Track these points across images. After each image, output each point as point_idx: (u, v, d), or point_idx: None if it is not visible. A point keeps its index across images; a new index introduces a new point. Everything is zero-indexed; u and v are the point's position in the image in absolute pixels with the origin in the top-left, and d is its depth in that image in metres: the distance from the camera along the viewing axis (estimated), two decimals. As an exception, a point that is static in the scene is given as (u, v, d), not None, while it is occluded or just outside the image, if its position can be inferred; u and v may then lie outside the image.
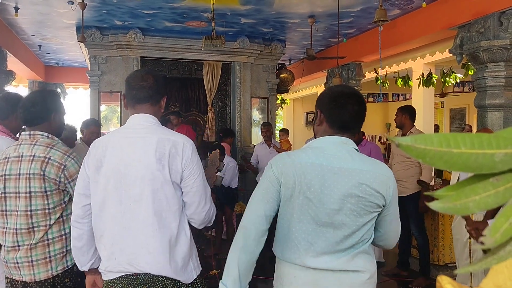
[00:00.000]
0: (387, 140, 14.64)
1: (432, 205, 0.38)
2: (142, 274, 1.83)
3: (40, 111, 2.26)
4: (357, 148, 1.71)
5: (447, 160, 0.39)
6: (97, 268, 1.97)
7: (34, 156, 2.16)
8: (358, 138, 5.39)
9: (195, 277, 1.94)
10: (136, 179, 1.80)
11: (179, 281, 1.88)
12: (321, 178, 1.60)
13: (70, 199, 2.19)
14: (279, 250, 1.72)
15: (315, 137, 1.79)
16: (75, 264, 2.24)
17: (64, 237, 2.22)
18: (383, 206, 1.65)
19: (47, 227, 2.17)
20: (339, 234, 1.61)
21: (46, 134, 2.26)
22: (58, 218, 2.20)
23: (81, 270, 2.03)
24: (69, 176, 2.17)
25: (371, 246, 1.72)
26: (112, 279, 1.88)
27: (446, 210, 0.38)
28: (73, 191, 2.11)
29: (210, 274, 4.71)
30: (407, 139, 0.41)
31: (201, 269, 2.02)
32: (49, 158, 2.15)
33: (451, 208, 0.38)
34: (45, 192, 2.16)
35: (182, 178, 1.85)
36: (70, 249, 2.23)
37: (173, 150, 1.83)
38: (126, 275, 1.85)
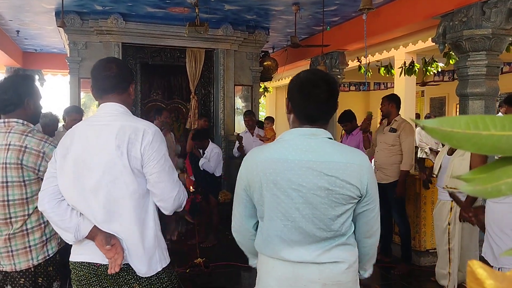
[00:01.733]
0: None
1: (463, 188, 0.37)
2: (104, 265, 1.81)
3: (12, 98, 2.19)
4: (330, 137, 1.64)
5: (475, 142, 0.38)
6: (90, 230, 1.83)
7: (9, 144, 2.10)
8: (351, 127, 5.42)
9: (159, 270, 1.89)
10: (96, 166, 1.78)
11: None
12: (288, 173, 1.57)
13: None
14: (259, 245, 1.73)
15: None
16: (57, 253, 2.21)
17: (43, 225, 2.18)
18: (359, 197, 1.59)
19: (26, 217, 2.14)
20: (311, 228, 1.59)
21: (21, 121, 2.20)
22: (37, 207, 2.15)
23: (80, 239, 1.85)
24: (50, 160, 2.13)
25: (352, 237, 1.69)
26: (78, 262, 1.87)
27: (476, 193, 0.37)
28: None
29: (195, 262, 4.70)
30: (432, 121, 0.40)
31: (168, 262, 1.95)
32: (26, 147, 2.10)
33: (482, 191, 0.37)
34: (23, 181, 2.11)
35: (142, 164, 1.80)
36: (50, 238, 2.20)
37: (133, 136, 1.79)
38: (88, 263, 1.84)
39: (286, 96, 1.73)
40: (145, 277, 1.86)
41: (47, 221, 2.14)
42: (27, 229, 2.15)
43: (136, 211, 1.80)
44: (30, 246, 2.15)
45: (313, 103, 1.61)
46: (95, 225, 1.80)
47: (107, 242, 1.75)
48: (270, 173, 1.59)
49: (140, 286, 1.86)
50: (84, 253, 1.85)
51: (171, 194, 1.84)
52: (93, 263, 1.82)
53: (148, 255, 1.84)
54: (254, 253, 1.81)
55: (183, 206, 1.96)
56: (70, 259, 1.90)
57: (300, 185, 1.56)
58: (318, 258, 1.61)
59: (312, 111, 1.62)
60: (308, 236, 1.60)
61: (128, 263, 1.82)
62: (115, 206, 1.79)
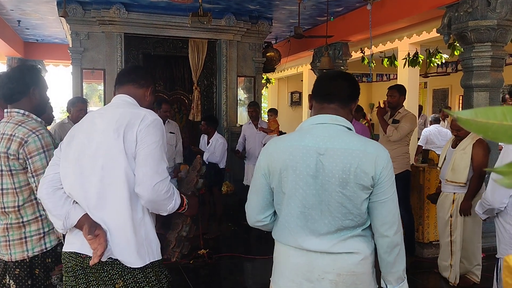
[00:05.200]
0: (370, 119, 14.75)
1: (499, 181, 0.36)
2: (90, 257, 1.78)
3: (18, 86, 2.20)
4: (350, 126, 1.66)
5: (512, 134, 0.37)
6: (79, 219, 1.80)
7: (4, 134, 2.12)
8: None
9: (147, 262, 1.82)
10: (93, 150, 1.80)
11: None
12: (306, 159, 1.59)
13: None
14: (275, 233, 1.75)
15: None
16: (58, 245, 2.21)
17: (39, 219, 2.19)
18: (371, 186, 1.57)
19: (16, 208, 2.14)
20: (327, 215, 1.59)
21: (22, 111, 2.20)
22: (31, 200, 2.16)
23: (69, 227, 1.83)
24: (28, 152, 2.11)
25: (369, 229, 1.68)
26: (67, 252, 1.86)
27: (513, 186, 0.36)
28: (30, 169, 2.10)
29: (199, 253, 4.72)
30: (466, 112, 0.39)
31: (158, 258, 1.88)
32: (13, 135, 2.11)
33: (519, 185, 0.36)
34: (10, 171, 2.12)
35: (136, 147, 1.78)
36: (49, 232, 2.20)
37: (132, 120, 1.80)
38: (76, 253, 1.82)
39: (309, 94, 1.83)
40: (130, 274, 1.81)
41: (45, 214, 2.14)
42: (23, 222, 2.16)
43: (128, 198, 1.77)
44: (26, 238, 2.16)
45: (329, 81, 1.74)
46: (84, 214, 1.78)
47: (90, 231, 1.72)
48: (290, 160, 1.62)
49: (125, 283, 1.80)
50: (74, 243, 1.83)
51: (151, 180, 1.74)
52: (81, 253, 1.80)
53: (136, 245, 1.79)
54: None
55: (168, 209, 1.84)
56: (62, 250, 1.90)
57: (317, 171, 1.58)
58: (333, 247, 1.61)
59: (330, 87, 1.71)
60: (323, 224, 1.60)
61: (112, 258, 1.79)
62: (108, 191, 1.77)
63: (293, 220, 1.64)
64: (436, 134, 8.07)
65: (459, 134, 3.95)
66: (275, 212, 1.77)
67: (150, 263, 1.85)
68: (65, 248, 1.88)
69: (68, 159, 1.84)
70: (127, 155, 1.77)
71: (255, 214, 1.77)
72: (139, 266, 1.81)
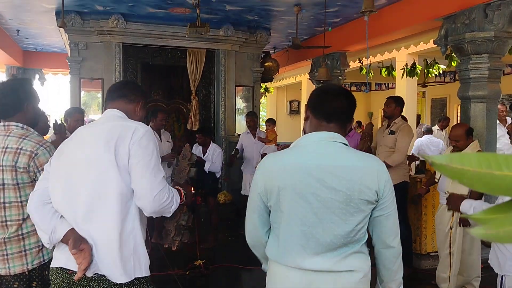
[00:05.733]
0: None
1: (473, 231, 0.36)
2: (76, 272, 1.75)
3: (12, 102, 2.21)
4: (346, 143, 1.66)
5: (487, 182, 0.36)
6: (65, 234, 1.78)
7: (7, 147, 2.12)
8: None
9: (132, 278, 1.79)
10: (82, 161, 1.79)
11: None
12: (306, 177, 1.57)
13: None
14: (272, 253, 1.71)
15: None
16: None
17: None
18: (376, 201, 1.60)
19: (21, 221, 2.14)
20: (329, 234, 1.58)
21: (20, 125, 2.21)
22: None
23: (55, 242, 1.82)
24: (39, 164, 2.14)
25: (365, 245, 1.68)
26: (54, 267, 1.84)
27: (488, 237, 0.35)
28: None
29: (195, 264, 4.68)
30: (441, 158, 0.38)
31: (145, 275, 1.85)
32: (21, 149, 2.12)
33: (494, 236, 0.35)
34: (17, 184, 2.12)
35: (129, 160, 1.78)
36: None
37: (123, 133, 1.80)
38: (62, 268, 1.80)
39: (306, 106, 1.77)
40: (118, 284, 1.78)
41: None
42: (22, 234, 2.15)
43: (118, 212, 1.76)
44: (25, 251, 2.15)
45: (331, 99, 1.69)
46: (70, 229, 1.76)
47: (75, 245, 1.70)
48: (289, 178, 1.59)
49: None
50: (60, 258, 1.82)
51: (151, 192, 1.77)
52: (67, 269, 1.79)
53: (123, 260, 1.77)
54: (267, 258, 1.79)
55: (172, 210, 1.89)
56: (50, 266, 1.88)
57: (318, 189, 1.56)
58: (334, 266, 1.59)
59: (329, 107, 1.67)
60: (325, 242, 1.58)
61: (99, 273, 1.77)
62: (98, 204, 1.76)
63: (293, 239, 1.61)
64: (428, 145, 8.12)
65: (457, 145, 3.93)
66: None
67: (137, 279, 1.81)
68: (52, 264, 1.87)
69: (57, 173, 1.84)
70: (119, 167, 1.76)
71: (255, 231, 1.76)
72: (125, 282, 1.78)
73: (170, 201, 1.85)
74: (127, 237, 1.80)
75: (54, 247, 1.87)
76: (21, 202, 2.13)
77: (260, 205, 1.69)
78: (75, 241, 1.72)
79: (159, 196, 1.78)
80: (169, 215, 1.91)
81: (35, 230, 2.15)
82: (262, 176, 1.68)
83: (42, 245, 2.17)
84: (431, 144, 8.03)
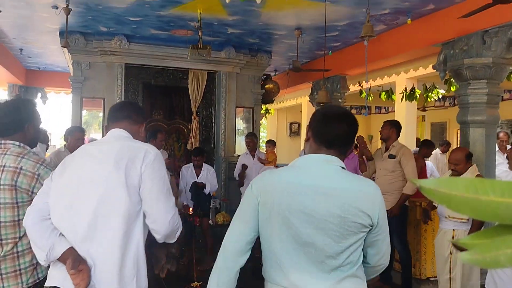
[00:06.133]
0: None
1: (461, 256, 0.36)
2: None
3: (13, 123, 2.21)
4: (343, 166, 1.65)
5: (474, 207, 0.36)
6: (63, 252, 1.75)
7: (4, 166, 2.10)
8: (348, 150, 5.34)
9: None
10: (89, 179, 1.78)
11: None
12: (301, 197, 1.56)
13: None
14: (266, 272, 1.68)
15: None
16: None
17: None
18: (371, 226, 1.58)
19: (17, 240, 2.11)
20: (321, 254, 1.56)
21: (17, 143, 2.20)
22: None
23: (52, 260, 1.78)
24: None
25: (361, 268, 1.66)
26: (48, 287, 1.80)
27: (475, 262, 0.36)
28: None
29: (192, 286, 4.63)
30: (429, 182, 0.39)
31: None
32: (21, 168, 2.10)
33: (480, 261, 0.35)
34: (16, 203, 2.10)
35: (140, 182, 1.77)
36: None
37: (133, 154, 1.80)
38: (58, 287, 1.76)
39: (307, 127, 1.76)
40: None
41: None
42: (17, 252, 2.12)
43: (121, 233, 1.73)
44: (20, 269, 2.12)
45: (336, 127, 1.65)
46: (69, 248, 1.73)
47: (74, 266, 1.67)
48: (284, 196, 1.58)
49: None
50: (57, 277, 1.78)
51: (166, 215, 1.79)
52: None
53: (122, 282, 1.74)
54: (228, 282, 1.65)
55: (176, 235, 1.90)
56: (44, 285, 1.85)
57: (313, 210, 1.55)
58: None
59: (332, 135, 1.65)
60: (317, 263, 1.57)
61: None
62: (101, 223, 1.74)
63: (286, 256, 1.59)
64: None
65: (456, 169, 3.93)
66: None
67: None
68: (47, 283, 1.82)
69: (58, 190, 1.82)
70: (128, 187, 1.75)
71: (237, 243, 1.65)
72: None
73: (179, 226, 1.88)
74: (129, 259, 1.77)
75: (49, 265, 1.84)
76: (18, 220, 2.11)
77: (253, 213, 1.64)
78: (74, 261, 1.69)
79: (173, 219, 1.81)
80: (173, 241, 1.90)
81: (29, 248, 2.10)
82: (258, 188, 1.65)
83: (37, 263, 2.14)
84: None
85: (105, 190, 1.75)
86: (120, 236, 1.74)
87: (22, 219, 2.07)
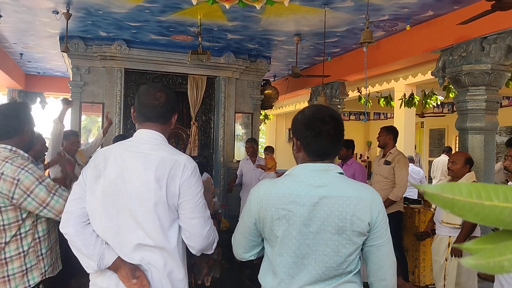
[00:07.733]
0: (367, 158, 14.78)
1: (464, 261, 0.36)
2: None
3: (14, 125, 2.19)
4: (341, 171, 1.64)
5: (477, 212, 0.37)
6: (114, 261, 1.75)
7: None
8: (346, 155, 5.32)
9: None
10: (131, 195, 1.73)
11: None
12: (299, 208, 1.55)
13: (29, 215, 2.09)
14: (263, 280, 1.69)
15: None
16: (41, 282, 2.14)
17: (22, 255, 2.10)
18: (368, 232, 1.57)
19: (2, 245, 2.07)
20: (321, 266, 1.55)
21: (9, 147, 2.16)
22: (15, 235, 2.08)
23: (102, 268, 1.77)
24: (25, 189, 2.04)
25: (357, 274, 1.65)
26: None
27: (479, 267, 0.36)
28: (36, 202, 2.04)
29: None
30: (433, 187, 0.39)
31: None
32: (2, 173, 2.04)
33: (484, 266, 0.35)
34: None
35: (178, 199, 1.76)
36: (31, 268, 2.12)
37: (173, 171, 1.75)
38: None
39: (293, 135, 1.70)
40: None
41: (28, 250, 2.09)
42: (5, 258, 2.08)
43: (167, 244, 1.76)
44: (8, 276, 2.08)
45: (325, 139, 1.59)
46: (118, 257, 1.73)
47: (132, 275, 1.68)
48: (282, 209, 1.57)
49: None
50: (104, 285, 1.76)
51: (202, 231, 1.78)
52: None
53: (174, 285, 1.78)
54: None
55: (213, 247, 1.89)
56: None
57: (311, 220, 1.54)
58: None
59: (324, 148, 1.61)
60: (316, 274, 1.56)
61: None
62: (145, 236, 1.74)
63: (285, 270, 1.59)
64: (410, 173, 8.20)
65: (453, 168, 3.94)
66: (263, 248, 1.73)
67: None
68: None
69: (96, 196, 1.75)
70: (169, 206, 1.74)
71: (241, 252, 1.76)
72: None
73: (216, 238, 1.87)
74: (179, 269, 1.81)
75: (47, 272, 1.82)
76: (3, 226, 2.06)
77: (253, 230, 1.68)
78: (131, 269, 1.70)
79: (208, 233, 1.81)
80: (211, 252, 1.90)
81: (18, 254, 2.09)
82: (256, 204, 1.64)
83: (26, 269, 2.11)
84: (412, 173, 8.14)
85: (149, 209, 1.72)
86: (165, 252, 1.77)
87: (7, 224, 2.06)
